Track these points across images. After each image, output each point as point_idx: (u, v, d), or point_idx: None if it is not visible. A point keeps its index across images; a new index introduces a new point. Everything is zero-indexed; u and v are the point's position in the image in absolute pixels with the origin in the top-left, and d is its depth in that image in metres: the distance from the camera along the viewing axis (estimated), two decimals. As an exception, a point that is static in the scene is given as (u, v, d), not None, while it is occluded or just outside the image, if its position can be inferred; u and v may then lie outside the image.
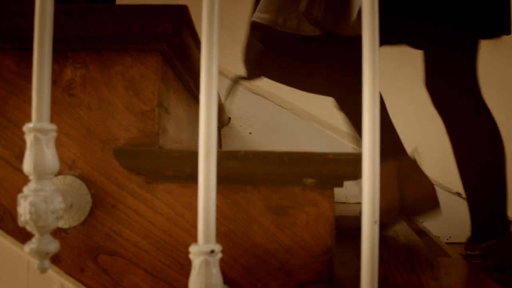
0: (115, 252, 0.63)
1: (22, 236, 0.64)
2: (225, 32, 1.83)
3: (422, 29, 0.98)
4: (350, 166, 0.57)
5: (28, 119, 0.45)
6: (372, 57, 0.37)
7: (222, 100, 1.29)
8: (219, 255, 0.38)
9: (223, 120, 1.65)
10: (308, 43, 0.99)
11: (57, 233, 0.63)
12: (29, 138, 0.45)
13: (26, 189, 0.46)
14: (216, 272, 0.38)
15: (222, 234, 0.61)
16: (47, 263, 0.47)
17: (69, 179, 0.63)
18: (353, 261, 0.74)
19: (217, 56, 0.38)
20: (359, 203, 0.41)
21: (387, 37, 0.97)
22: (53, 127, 0.46)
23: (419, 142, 1.77)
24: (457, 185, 1.76)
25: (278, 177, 0.60)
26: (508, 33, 0.98)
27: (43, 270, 0.47)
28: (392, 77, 1.73)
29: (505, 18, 0.96)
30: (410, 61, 1.66)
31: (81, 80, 0.64)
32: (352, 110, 1.08)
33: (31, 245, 0.46)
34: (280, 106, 1.81)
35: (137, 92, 0.64)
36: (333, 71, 1.04)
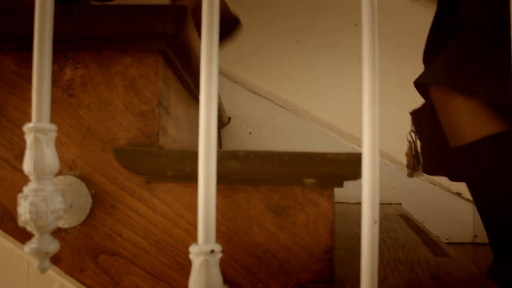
0: (115, 252, 0.63)
1: (22, 236, 0.64)
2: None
3: None
4: (350, 166, 0.57)
5: (28, 119, 0.45)
6: (372, 57, 0.37)
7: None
8: (219, 255, 0.38)
9: (223, 120, 1.65)
10: None
11: (57, 233, 0.63)
12: (29, 138, 0.45)
13: (26, 189, 0.46)
14: (216, 272, 0.38)
15: (222, 234, 0.61)
16: (47, 263, 0.47)
17: (69, 179, 0.63)
18: (353, 261, 0.74)
19: (217, 56, 0.38)
20: (359, 203, 0.41)
21: None
22: (53, 127, 0.46)
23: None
24: (457, 185, 1.76)
25: (278, 177, 0.60)
26: None
27: (43, 270, 0.47)
28: (391, 77, 1.74)
29: None
30: (409, 60, 1.66)
31: (81, 80, 0.64)
32: None
33: (31, 245, 0.46)
34: (280, 106, 1.81)
35: (137, 92, 0.64)
36: None
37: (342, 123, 1.87)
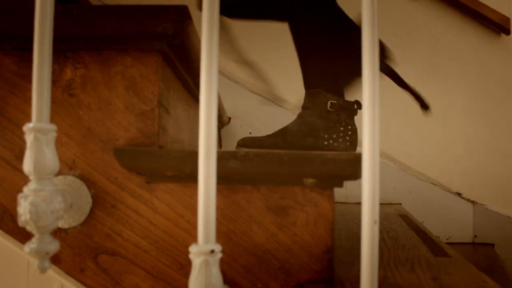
0: (115, 252, 0.63)
1: (22, 236, 0.64)
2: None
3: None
4: (350, 166, 0.57)
5: (28, 119, 0.45)
6: (372, 57, 0.37)
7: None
8: (219, 255, 0.38)
9: (223, 120, 1.65)
10: None
11: (57, 233, 0.63)
12: (29, 138, 0.45)
13: (26, 189, 0.46)
14: (216, 272, 0.38)
15: (222, 234, 0.61)
16: (47, 263, 0.47)
17: (69, 179, 0.63)
18: (353, 261, 0.74)
19: (217, 56, 0.38)
20: (359, 203, 0.41)
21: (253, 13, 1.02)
22: (53, 127, 0.46)
23: (416, 141, 1.77)
24: (457, 185, 1.76)
25: (278, 177, 0.60)
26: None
27: (43, 270, 0.47)
28: (384, 79, 1.73)
29: None
30: (409, 60, 1.67)
31: (81, 80, 0.64)
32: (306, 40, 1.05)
33: (31, 245, 0.46)
34: (280, 106, 1.81)
35: (137, 92, 0.64)
36: None
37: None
